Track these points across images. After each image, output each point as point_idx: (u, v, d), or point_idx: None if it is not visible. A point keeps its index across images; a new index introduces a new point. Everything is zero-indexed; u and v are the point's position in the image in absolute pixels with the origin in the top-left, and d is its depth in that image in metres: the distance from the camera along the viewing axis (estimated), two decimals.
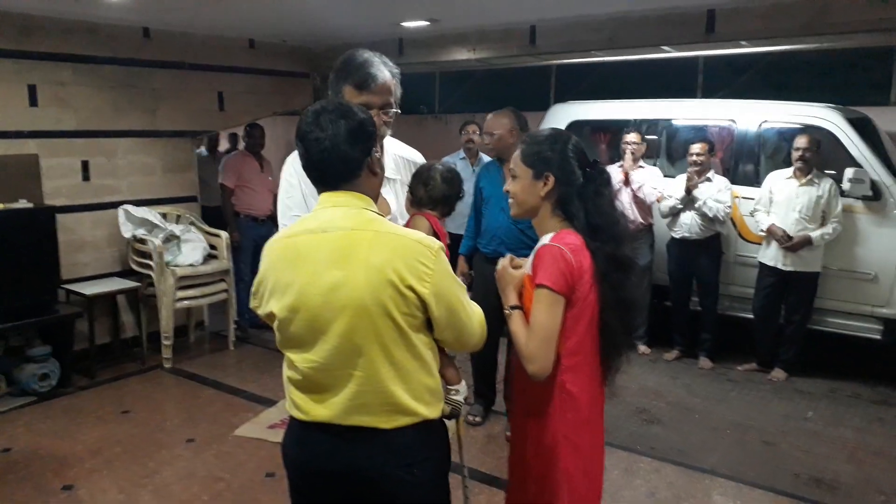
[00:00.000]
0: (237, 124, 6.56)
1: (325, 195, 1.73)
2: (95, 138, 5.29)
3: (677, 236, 5.36)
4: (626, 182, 5.44)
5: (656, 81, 7.08)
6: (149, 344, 5.46)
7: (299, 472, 1.80)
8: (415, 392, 1.70)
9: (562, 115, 6.42)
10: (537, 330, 1.88)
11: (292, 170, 2.12)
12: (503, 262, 2.05)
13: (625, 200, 5.45)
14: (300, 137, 1.69)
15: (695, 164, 5.16)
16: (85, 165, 5.26)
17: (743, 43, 5.00)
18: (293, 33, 6.18)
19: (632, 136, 5.47)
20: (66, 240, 5.08)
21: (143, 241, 5.20)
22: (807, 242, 4.84)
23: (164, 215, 5.53)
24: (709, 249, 5.31)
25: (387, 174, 2.12)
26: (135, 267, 5.33)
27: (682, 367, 5.39)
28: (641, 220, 5.50)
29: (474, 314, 1.80)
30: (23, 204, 4.70)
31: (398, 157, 2.31)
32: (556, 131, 2.06)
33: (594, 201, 1.96)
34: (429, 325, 1.72)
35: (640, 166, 5.51)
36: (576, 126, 6.34)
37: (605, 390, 2.07)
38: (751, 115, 5.52)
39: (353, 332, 1.63)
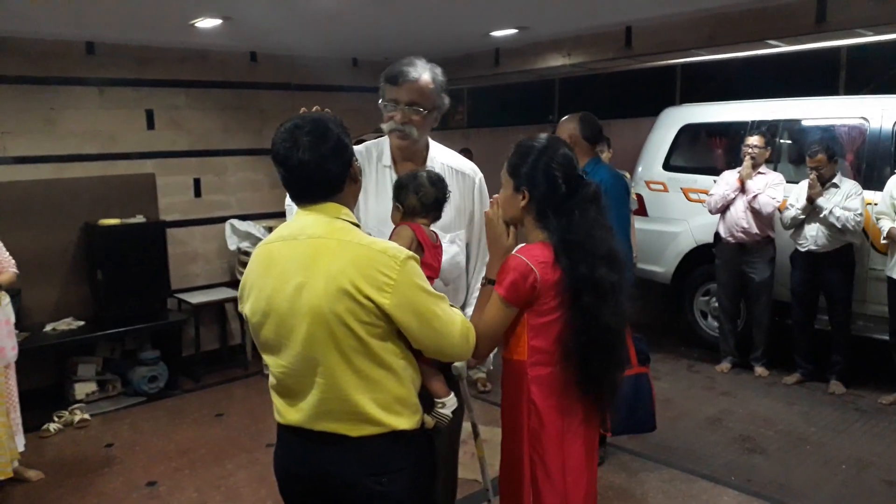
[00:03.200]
0: None
1: (305, 208, 1.73)
2: (207, 157, 5.70)
3: (803, 249, 4.83)
4: (743, 190, 5.01)
5: (793, 78, 6.47)
6: (253, 351, 5.75)
7: (280, 473, 1.82)
8: (382, 402, 1.66)
9: (673, 119, 6.08)
10: (482, 326, 1.85)
11: None
12: (500, 226, 1.95)
13: (739, 210, 5.04)
14: (280, 161, 1.68)
15: (816, 170, 4.65)
16: (197, 183, 5.68)
17: (860, 31, 4.43)
18: (394, 50, 6.31)
19: (753, 140, 5.04)
20: (179, 252, 5.49)
21: (247, 253, 5.50)
22: None
23: (269, 229, 5.82)
24: (839, 262, 4.74)
25: None
26: (241, 277, 5.64)
27: (803, 392, 4.86)
28: (758, 232, 5.04)
29: (454, 323, 1.73)
30: (138, 219, 5.13)
31: (447, 166, 2.26)
32: (543, 141, 1.94)
33: (571, 217, 1.85)
34: (402, 335, 1.68)
35: (761, 172, 5.05)
36: (689, 130, 5.99)
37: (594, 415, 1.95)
38: (885, 112, 4.90)
39: (312, 340, 1.62)
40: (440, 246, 2.10)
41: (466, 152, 7.19)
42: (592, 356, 1.83)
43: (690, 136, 6.03)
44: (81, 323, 4.94)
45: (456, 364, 2.16)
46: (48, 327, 4.81)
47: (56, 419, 4.53)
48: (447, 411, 1.88)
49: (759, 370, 5.19)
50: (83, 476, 3.89)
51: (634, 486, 3.64)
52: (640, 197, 5.91)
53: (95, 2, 3.99)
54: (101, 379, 5.02)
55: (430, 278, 1.88)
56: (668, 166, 5.94)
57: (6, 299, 3.64)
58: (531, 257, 1.83)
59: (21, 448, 3.70)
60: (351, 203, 1.77)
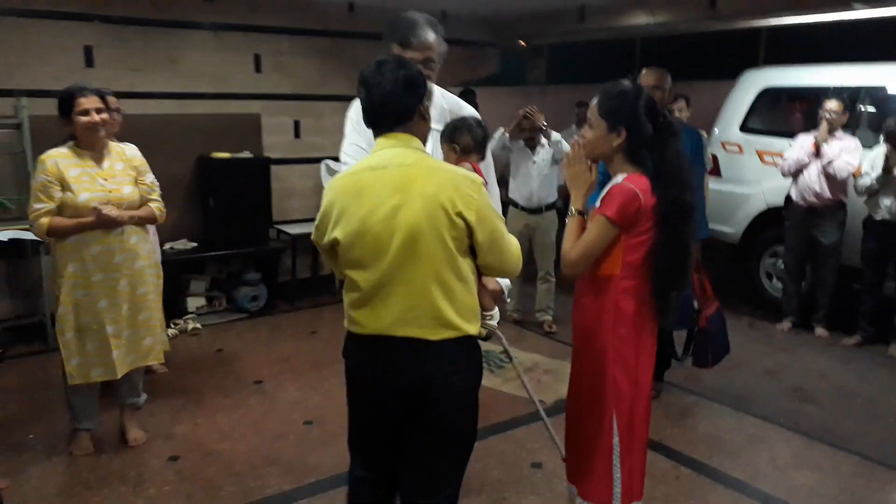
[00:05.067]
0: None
1: (382, 139, 1.98)
2: (306, 101, 6.17)
3: (878, 218, 4.92)
4: (817, 154, 5.11)
5: (881, 44, 6.38)
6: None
7: (358, 380, 2.10)
8: (458, 309, 1.94)
9: (753, 82, 6.14)
10: (584, 245, 2.18)
11: (356, 120, 2.40)
12: (581, 164, 2.29)
13: (812, 173, 5.14)
14: (363, 83, 1.94)
15: (891, 139, 4.71)
16: (297, 125, 6.18)
17: None
18: (483, 3, 6.56)
19: (832, 104, 5.08)
20: (279, 187, 6.01)
21: None
22: None
23: None
24: None
25: (431, 124, 2.33)
26: None
27: (861, 354, 5.00)
28: (830, 196, 5.13)
29: (512, 243, 2.04)
30: (245, 154, 5.66)
31: (447, 110, 2.48)
32: (631, 86, 2.25)
33: (661, 151, 2.19)
34: (472, 253, 1.98)
35: (837, 137, 5.13)
36: (769, 94, 6.04)
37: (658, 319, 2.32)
38: None
39: (408, 252, 1.88)
40: (487, 183, 2.40)
41: (470, 94, 7.33)
42: (671, 267, 2.18)
43: (770, 98, 6.07)
44: (194, 244, 5.54)
45: (490, 322, 2.35)
46: (166, 246, 5.40)
47: (172, 325, 5.16)
48: (494, 322, 2.27)
49: (820, 331, 5.33)
50: (200, 373, 4.49)
51: (686, 417, 3.97)
52: (714, 158, 6.04)
53: None
54: (210, 295, 5.64)
55: None
56: (744, 128, 6.03)
57: None
58: (637, 185, 2.14)
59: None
60: (422, 138, 2.02)
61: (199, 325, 5.26)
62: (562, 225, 4.63)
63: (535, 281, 5.48)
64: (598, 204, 2.23)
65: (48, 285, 4.62)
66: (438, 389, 1.97)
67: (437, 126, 2.43)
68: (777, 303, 5.72)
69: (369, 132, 2.20)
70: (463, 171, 1.99)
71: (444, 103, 2.50)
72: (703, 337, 3.72)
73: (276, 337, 5.21)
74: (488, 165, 2.59)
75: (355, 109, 2.49)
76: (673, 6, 5.69)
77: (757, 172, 5.89)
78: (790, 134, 5.62)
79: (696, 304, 3.70)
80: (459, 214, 1.88)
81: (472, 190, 1.92)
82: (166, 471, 3.33)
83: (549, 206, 5.29)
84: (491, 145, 5.31)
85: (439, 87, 2.52)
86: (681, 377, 4.37)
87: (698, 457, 3.51)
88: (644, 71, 3.94)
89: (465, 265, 1.96)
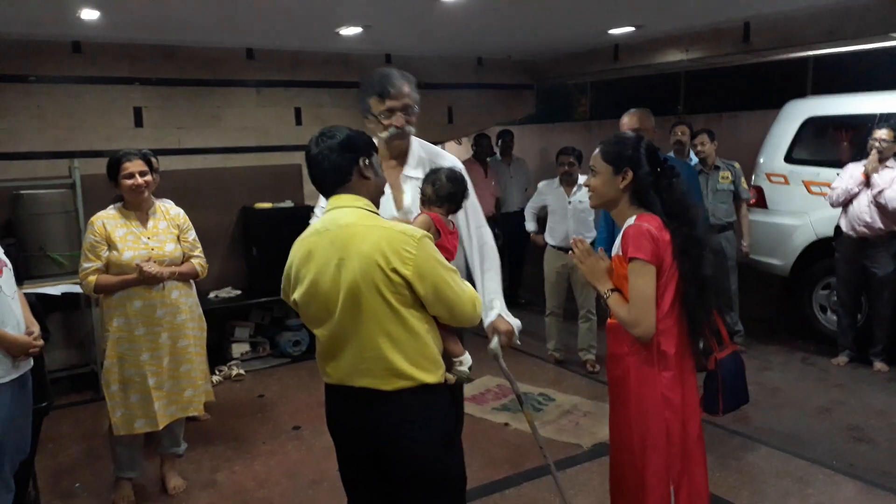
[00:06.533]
0: (464, 135, 7.26)
1: (330, 200, 2.07)
2: None
3: None
4: (867, 184, 4.96)
5: None
6: None
7: (331, 426, 2.19)
8: (411, 359, 1.99)
9: (797, 112, 6.01)
10: (637, 297, 2.15)
11: None
12: (591, 257, 2.31)
13: (862, 203, 4.98)
14: (306, 156, 2.08)
15: None
16: None
17: None
18: (518, 49, 6.68)
19: (882, 133, 4.94)
20: None
21: None
22: None
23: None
24: None
25: (408, 172, 2.49)
26: None
27: None
28: (882, 227, 4.95)
29: (464, 292, 2.05)
30: (287, 204, 5.84)
31: (427, 160, 2.55)
32: (632, 134, 2.35)
33: (667, 192, 2.21)
34: (422, 303, 2.00)
35: (888, 166, 4.98)
36: (813, 123, 5.91)
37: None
38: None
39: (352, 308, 1.96)
40: (456, 232, 2.45)
41: (506, 133, 7.23)
42: (697, 299, 2.18)
43: (814, 128, 5.94)
44: (238, 292, 5.72)
45: (491, 346, 2.47)
46: (211, 294, 5.60)
47: (217, 372, 5.29)
48: (464, 368, 2.26)
49: (879, 365, 5.11)
50: (240, 419, 4.59)
51: (729, 459, 3.82)
52: (759, 189, 5.92)
53: (258, 14, 4.64)
54: (254, 341, 5.77)
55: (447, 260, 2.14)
56: (790, 159, 5.90)
57: None
58: (649, 222, 2.17)
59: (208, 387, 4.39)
60: (365, 194, 2.06)
61: (242, 372, 5.38)
62: None
63: (577, 320, 5.42)
64: (617, 250, 2.24)
65: (99, 336, 4.82)
66: (392, 439, 2.02)
67: (415, 174, 2.52)
68: (832, 336, 5.51)
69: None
70: (401, 227, 2.01)
71: (423, 152, 2.59)
72: (712, 381, 3.59)
73: (317, 381, 5.13)
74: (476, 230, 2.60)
75: None
76: (706, 42, 5.67)
77: (804, 203, 5.73)
78: (837, 163, 5.48)
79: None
80: (395, 270, 1.93)
81: (407, 246, 1.94)
82: None
83: None
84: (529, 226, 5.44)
85: (417, 139, 2.60)
86: (728, 417, 4.19)
87: (741, 503, 3.37)
88: (626, 114, 3.94)
89: (413, 317, 1.99)
